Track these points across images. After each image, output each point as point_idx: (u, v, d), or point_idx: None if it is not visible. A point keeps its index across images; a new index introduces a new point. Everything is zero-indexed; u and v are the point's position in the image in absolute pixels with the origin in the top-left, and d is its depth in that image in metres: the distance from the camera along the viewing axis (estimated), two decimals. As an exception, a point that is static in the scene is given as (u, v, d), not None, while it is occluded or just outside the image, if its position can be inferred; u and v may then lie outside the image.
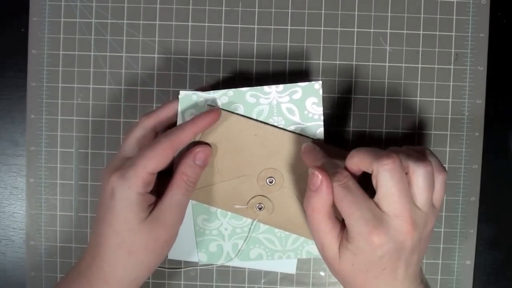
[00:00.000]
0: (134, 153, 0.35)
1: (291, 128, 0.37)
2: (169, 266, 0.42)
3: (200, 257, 0.39)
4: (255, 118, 0.37)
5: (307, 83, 0.37)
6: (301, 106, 0.37)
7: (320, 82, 0.37)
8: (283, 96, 0.37)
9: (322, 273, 0.42)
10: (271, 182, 0.37)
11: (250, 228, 0.39)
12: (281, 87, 0.37)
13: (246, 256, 0.39)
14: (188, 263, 0.42)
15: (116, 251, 0.33)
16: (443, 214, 0.42)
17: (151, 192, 0.35)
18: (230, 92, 0.37)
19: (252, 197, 0.38)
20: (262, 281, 0.42)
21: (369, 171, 0.32)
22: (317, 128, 0.37)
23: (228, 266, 0.42)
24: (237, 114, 0.37)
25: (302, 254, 0.39)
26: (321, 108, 0.37)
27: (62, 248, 0.43)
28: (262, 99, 0.37)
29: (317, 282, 0.42)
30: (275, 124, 0.37)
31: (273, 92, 0.37)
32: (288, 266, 0.40)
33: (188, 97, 0.37)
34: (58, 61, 0.42)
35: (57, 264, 0.43)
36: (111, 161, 0.35)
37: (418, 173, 0.32)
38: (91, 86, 0.42)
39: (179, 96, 0.37)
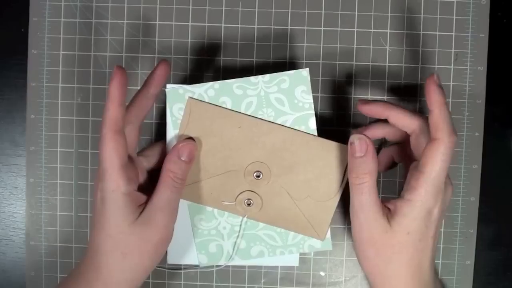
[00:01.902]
0: None
1: (282, 119, 0.36)
2: (169, 266, 0.42)
3: (200, 259, 0.39)
4: (243, 110, 0.36)
5: (294, 71, 0.36)
6: (290, 96, 0.36)
7: (307, 69, 0.36)
8: (270, 86, 0.36)
9: (322, 273, 0.42)
10: (258, 177, 0.37)
11: (240, 225, 0.38)
12: (267, 76, 0.36)
13: (247, 254, 0.39)
14: (188, 267, 0.42)
15: (111, 254, 0.33)
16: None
17: (142, 191, 0.35)
18: (216, 84, 0.36)
19: (240, 193, 0.37)
20: (262, 281, 0.42)
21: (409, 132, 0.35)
22: (308, 117, 0.36)
23: (228, 266, 0.42)
24: (220, 106, 0.36)
25: (305, 248, 0.39)
26: (311, 96, 0.36)
27: (62, 248, 0.43)
28: (250, 91, 0.36)
29: (317, 282, 0.42)
30: (265, 116, 0.36)
31: (259, 82, 0.36)
32: (291, 260, 0.40)
33: (175, 91, 0.36)
34: (58, 61, 0.42)
35: (57, 264, 0.43)
36: (98, 170, 0.35)
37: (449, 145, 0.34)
38: (91, 86, 0.42)
39: (166, 90, 0.36)
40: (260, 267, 0.42)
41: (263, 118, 0.36)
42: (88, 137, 0.42)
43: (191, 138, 0.36)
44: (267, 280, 0.42)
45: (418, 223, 0.33)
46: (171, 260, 0.39)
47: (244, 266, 0.42)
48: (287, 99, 0.36)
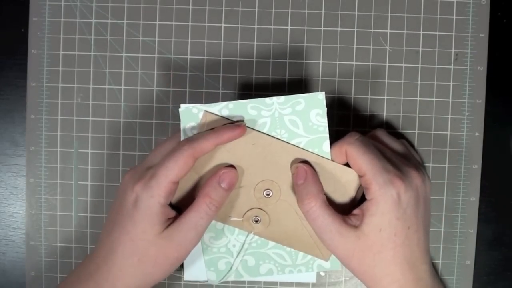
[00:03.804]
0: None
1: (295, 141, 0.36)
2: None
3: (209, 276, 0.39)
4: (257, 130, 0.36)
5: (309, 94, 0.36)
6: (304, 118, 0.36)
7: (323, 92, 0.35)
8: (285, 108, 0.36)
9: (322, 273, 0.42)
10: (268, 195, 0.36)
11: (245, 240, 0.38)
12: (282, 98, 0.36)
13: (256, 272, 0.39)
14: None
15: (128, 258, 0.34)
16: (443, 214, 0.42)
17: (172, 207, 0.35)
18: (231, 104, 0.36)
19: (248, 210, 0.37)
20: (262, 281, 0.42)
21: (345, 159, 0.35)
22: (323, 140, 0.36)
23: (228, 266, 0.42)
24: (235, 122, 0.36)
25: (314, 267, 0.38)
26: (326, 120, 0.36)
27: (62, 248, 0.43)
28: (264, 111, 0.36)
29: (317, 282, 0.42)
30: (278, 136, 0.36)
31: (274, 103, 0.36)
32: (308, 276, 0.40)
33: (188, 111, 0.36)
34: (58, 61, 0.42)
35: (57, 264, 0.43)
36: (136, 169, 0.35)
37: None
38: (91, 86, 0.42)
39: (180, 110, 0.36)
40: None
41: (277, 138, 0.36)
42: (88, 137, 0.42)
43: (232, 166, 0.36)
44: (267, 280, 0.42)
45: (387, 218, 0.33)
46: (188, 277, 0.39)
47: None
48: (302, 122, 0.36)
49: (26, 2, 0.42)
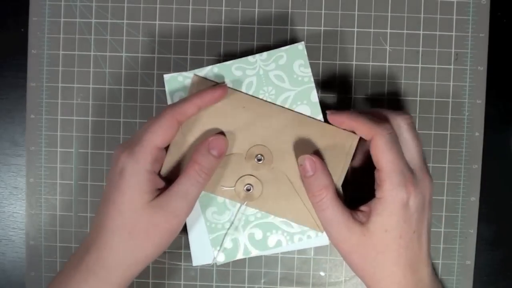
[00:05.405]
0: None
1: (283, 96, 0.36)
2: (169, 261, 0.42)
3: (216, 256, 0.38)
4: (244, 91, 0.36)
5: (290, 45, 0.36)
6: (289, 71, 0.36)
7: (303, 42, 0.36)
8: (269, 64, 0.36)
9: (322, 273, 0.42)
10: (259, 160, 0.36)
11: (237, 212, 0.37)
12: (264, 54, 0.37)
13: (265, 245, 0.37)
14: (190, 266, 0.42)
15: (117, 232, 0.33)
16: (443, 214, 0.42)
17: (162, 178, 0.34)
18: (215, 68, 0.36)
19: (240, 177, 0.36)
20: (262, 281, 0.42)
21: (367, 136, 0.34)
22: (310, 91, 0.36)
23: (228, 266, 0.42)
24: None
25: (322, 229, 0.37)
26: (309, 69, 0.36)
27: (62, 248, 0.43)
28: (249, 70, 0.36)
29: (317, 282, 0.42)
30: (266, 94, 0.36)
31: (257, 61, 0.37)
32: (321, 239, 0.38)
33: (174, 79, 0.37)
34: (58, 61, 0.42)
35: (57, 264, 0.43)
36: (123, 143, 0.34)
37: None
38: (91, 86, 0.42)
39: (165, 79, 0.37)
40: (260, 266, 0.42)
41: (266, 99, 0.36)
42: (88, 137, 0.42)
43: (222, 133, 0.36)
44: (267, 280, 0.42)
45: (394, 219, 0.33)
46: (196, 262, 0.38)
47: (244, 266, 0.42)
48: (286, 75, 0.37)
49: (26, 2, 0.42)
